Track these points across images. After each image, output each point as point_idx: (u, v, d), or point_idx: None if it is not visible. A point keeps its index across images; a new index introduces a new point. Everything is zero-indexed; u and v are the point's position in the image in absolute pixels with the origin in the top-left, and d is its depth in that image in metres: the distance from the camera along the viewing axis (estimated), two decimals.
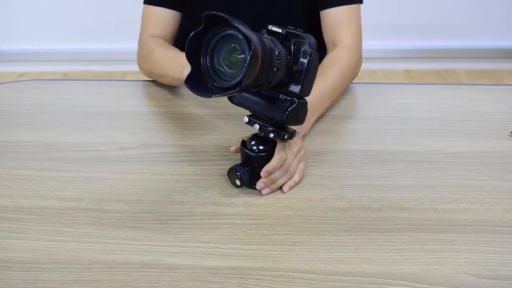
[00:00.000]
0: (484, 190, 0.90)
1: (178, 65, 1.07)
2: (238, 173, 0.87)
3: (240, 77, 0.75)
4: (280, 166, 0.89)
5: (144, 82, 1.26)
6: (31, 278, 0.76)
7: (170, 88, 1.22)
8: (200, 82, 0.80)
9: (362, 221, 0.84)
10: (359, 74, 1.20)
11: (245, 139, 0.90)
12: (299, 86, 0.84)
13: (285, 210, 0.86)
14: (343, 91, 1.15)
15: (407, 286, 0.73)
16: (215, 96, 0.78)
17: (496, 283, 0.74)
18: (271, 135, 0.86)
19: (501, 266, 0.76)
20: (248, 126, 0.89)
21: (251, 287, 0.73)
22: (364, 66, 1.23)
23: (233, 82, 0.76)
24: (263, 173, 0.87)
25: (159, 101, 1.20)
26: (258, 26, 0.85)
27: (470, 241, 0.80)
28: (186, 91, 1.22)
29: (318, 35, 1.29)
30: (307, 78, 0.83)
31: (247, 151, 0.88)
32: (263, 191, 0.89)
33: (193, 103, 1.17)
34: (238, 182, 0.88)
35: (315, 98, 0.96)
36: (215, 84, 0.79)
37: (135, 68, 1.26)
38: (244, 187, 0.89)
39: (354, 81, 1.19)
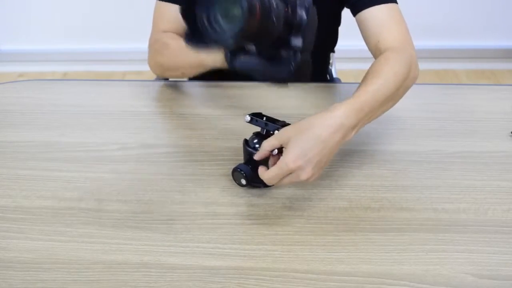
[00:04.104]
0: (484, 190, 0.90)
1: (195, 53, 1.04)
2: (243, 172, 0.87)
3: (238, 28, 0.74)
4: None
5: (144, 82, 1.26)
6: (31, 278, 0.76)
7: (170, 88, 1.22)
8: (199, 40, 0.79)
9: (362, 221, 0.84)
10: (358, 75, 1.18)
11: (247, 138, 0.90)
12: (300, 39, 0.82)
13: (285, 210, 0.86)
14: (400, 93, 0.96)
15: (407, 286, 0.73)
16: (213, 48, 0.78)
17: (496, 283, 0.74)
18: (276, 132, 0.86)
19: (501, 266, 0.76)
20: (248, 125, 0.89)
21: (251, 287, 0.74)
22: (364, 66, 1.22)
23: (232, 32, 0.75)
24: (261, 175, 0.85)
25: (159, 101, 1.20)
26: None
27: (470, 241, 0.80)
28: (186, 91, 1.23)
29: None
30: (307, 30, 0.82)
31: (249, 149, 0.88)
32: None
33: (193, 103, 1.17)
34: (243, 181, 0.88)
35: (362, 98, 0.87)
36: (214, 39, 0.78)
37: (135, 68, 1.27)
38: (248, 186, 0.89)
39: (354, 81, 1.19)
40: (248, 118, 0.89)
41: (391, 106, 0.96)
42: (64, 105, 1.17)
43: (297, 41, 0.82)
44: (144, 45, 1.27)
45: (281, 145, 0.83)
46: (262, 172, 0.84)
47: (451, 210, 0.86)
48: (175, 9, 1.19)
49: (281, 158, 0.82)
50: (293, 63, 0.83)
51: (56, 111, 1.15)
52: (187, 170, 0.96)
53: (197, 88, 1.24)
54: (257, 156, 0.85)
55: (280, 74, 0.85)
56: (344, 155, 0.99)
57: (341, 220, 0.84)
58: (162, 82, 1.35)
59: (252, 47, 0.88)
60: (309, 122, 0.84)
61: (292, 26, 0.81)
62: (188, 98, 1.20)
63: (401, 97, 0.97)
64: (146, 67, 1.28)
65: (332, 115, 0.84)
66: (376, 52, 1.06)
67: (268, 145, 0.84)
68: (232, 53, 0.93)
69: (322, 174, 0.94)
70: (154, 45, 1.20)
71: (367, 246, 0.79)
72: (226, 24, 0.77)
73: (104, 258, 0.79)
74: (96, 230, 0.83)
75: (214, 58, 1.03)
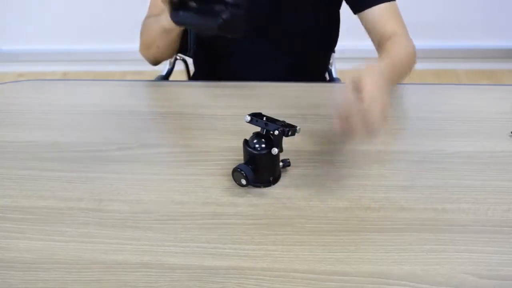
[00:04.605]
0: (484, 190, 0.90)
1: (157, 18, 1.14)
2: (243, 172, 0.87)
3: None
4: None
5: (144, 82, 1.26)
6: (31, 278, 0.76)
7: (170, 88, 1.22)
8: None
9: (362, 221, 0.84)
10: None
11: (247, 138, 0.90)
12: None
13: (285, 210, 0.86)
14: (408, 70, 1.12)
15: (407, 286, 0.73)
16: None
17: (496, 283, 0.74)
18: (276, 132, 0.86)
19: (501, 266, 0.76)
20: (248, 125, 0.89)
21: (251, 287, 0.74)
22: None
23: None
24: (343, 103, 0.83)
25: (159, 101, 1.20)
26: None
27: (470, 241, 0.80)
28: (186, 91, 1.23)
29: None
30: None
31: (249, 149, 0.88)
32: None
33: (193, 103, 1.17)
34: (243, 182, 0.88)
35: (381, 67, 0.96)
36: None
37: (135, 68, 1.27)
38: (249, 186, 0.89)
39: None
40: (248, 118, 0.89)
41: (401, 81, 1.10)
42: (64, 105, 1.17)
43: None
44: None
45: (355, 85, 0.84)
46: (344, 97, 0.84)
47: (451, 210, 0.86)
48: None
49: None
50: (223, 17, 0.94)
51: (56, 111, 1.15)
52: (187, 170, 0.96)
53: (197, 88, 1.24)
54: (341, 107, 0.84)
55: (210, 26, 0.96)
56: (345, 155, 0.99)
57: (341, 220, 0.84)
58: (162, 82, 1.35)
59: (192, 3, 1.00)
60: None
61: None
62: (188, 98, 1.20)
63: (407, 74, 1.11)
64: (146, 67, 1.28)
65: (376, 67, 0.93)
66: (381, 42, 1.15)
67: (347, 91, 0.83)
68: (174, 9, 1.03)
69: (322, 174, 0.94)
70: (140, 31, 1.26)
71: (367, 246, 0.79)
72: None
73: (104, 258, 0.79)
74: (96, 230, 0.83)
75: (166, 17, 1.09)
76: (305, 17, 1.25)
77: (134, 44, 1.27)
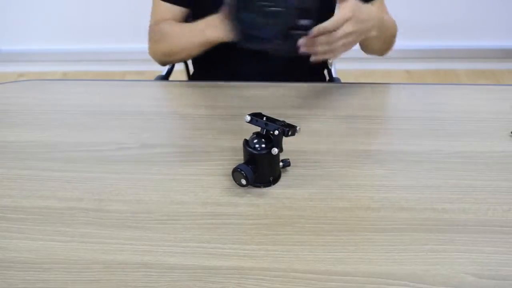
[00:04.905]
0: (484, 190, 0.90)
1: (198, 30, 1.15)
2: (243, 172, 0.87)
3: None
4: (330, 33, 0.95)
5: (144, 82, 1.26)
6: (31, 278, 0.76)
7: (170, 88, 1.22)
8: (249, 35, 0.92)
9: (362, 221, 0.84)
10: (358, 75, 1.20)
11: (247, 138, 0.90)
12: (309, 20, 0.94)
13: (285, 210, 0.86)
14: (391, 42, 1.25)
15: (407, 286, 0.73)
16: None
17: (496, 283, 0.74)
18: (276, 132, 0.86)
19: (501, 266, 0.76)
20: (248, 125, 0.89)
21: (251, 287, 0.74)
22: (364, 66, 1.23)
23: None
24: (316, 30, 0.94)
25: (159, 101, 1.20)
26: None
27: (470, 241, 0.80)
28: (186, 91, 1.23)
29: None
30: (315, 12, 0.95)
31: (249, 149, 0.88)
32: (301, 49, 0.96)
33: (193, 103, 1.17)
34: (243, 182, 0.88)
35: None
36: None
37: (135, 68, 1.27)
38: (249, 186, 0.89)
39: (354, 81, 1.19)
40: (248, 118, 0.89)
41: (382, 47, 1.24)
42: (64, 105, 1.17)
43: (306, 21, 0.93)
44: (144, 45, 1.27)
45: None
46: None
47: (451, 210, 0.86)
48: (172, 9, 1.26)
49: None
50: (298, 41, 0.95)
51: (56, 111, 1.15)
52: (187, 170, 0.96)
53: (197, 88, 1.24)
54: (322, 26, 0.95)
55: (286, 50, 0.97)
56: (344, 155, 0.99)
57: (341, 220, 0.84)
58: (162, 82, 1.35)
59: (264, 30, 0.99)
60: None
61: (303, 10, 0.93)
62: (188, 98, 1.20)
63: (389, 49, 1.25)
64: (146, 67, 1.28)
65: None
66: None
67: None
68: (243, 35, 1.01)
69: (322, 174, 0.94)
70: (153, 36, 1.26)
71: (367, 246, 0.79)
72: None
73: (104, 258, 0.79)
74: (96, 230, 0.83)
75: (218, 33, 1.11)
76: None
77: (134, 44, 1.27)
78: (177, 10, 1.27)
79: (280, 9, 0.94)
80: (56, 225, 0.85)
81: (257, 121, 0.89)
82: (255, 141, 0.88)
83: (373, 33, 1.06)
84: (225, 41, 1.11)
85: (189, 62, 1.57)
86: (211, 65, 1.37)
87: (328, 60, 1.51)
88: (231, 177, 0.90)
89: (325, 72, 1.50)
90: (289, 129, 0.88)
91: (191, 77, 1.54)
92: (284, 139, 0.89)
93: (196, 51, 1.22)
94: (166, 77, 1.54)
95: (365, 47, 1.25)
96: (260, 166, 0.88)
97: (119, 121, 1.11)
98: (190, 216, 0.86)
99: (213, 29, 1.12)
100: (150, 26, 1.28)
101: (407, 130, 1.06)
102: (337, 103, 1.13)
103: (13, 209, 0.88)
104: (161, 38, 1.24)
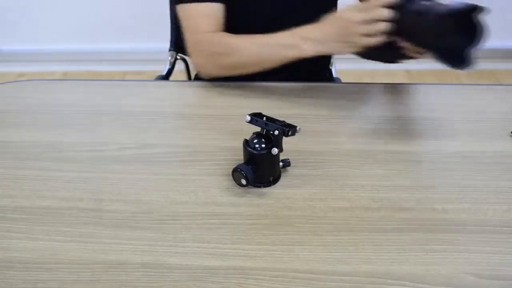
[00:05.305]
0: (484, 190, 0.90)
1: (289, 44, 1.09)
2: (244, 172, 0.87)
3: None
4: None
5: (144, 82, 1.26)
6: (31, 278, 0.76)
7: (170, 88, 1.22)
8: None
9: (362, 221, 0.84)
10: (358, 75, 1.20)
11: (247, 138, 0.90)
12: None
13: (285, 210, 0.86)
14: None
15: (407, 286, 0.73)
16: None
17: (496, 283, 0.74)
18: (276, 131, 0.86)
19: (501, 266, 0.76)
20: (248, 125, 0.89)
21: (251, 287, 0.74)
22: (364, 66, 1.23)
23: None
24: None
25: (159, 101, 1.20)
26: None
27: (470, 241, 0.80)
28: (186, 91, 1.23)
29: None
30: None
31: (249, 149, 0.88)
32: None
33: (193, 103, 1.17)
34: (243, 182, 0.88)
35: None
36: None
37: (135, 68, 1.27)
38: (249, 186, 0.89)
39: (354, 80, 1.19)
40: (248, 118, 0.89)
41: None
42: (64, 105, 1.17)
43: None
44: (144, 45, 1.27)
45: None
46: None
47: (451, 210, 0.86)
48: (214, 8, 1.18)
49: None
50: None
51: (56, 111, 1.15)
52: (187, 170, 0.96)
53: (197, 88, 1.24)
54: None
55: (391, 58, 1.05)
56: (344, 155, 0.99)
57: (341, 220, 0.84)
58: (162, 82, 1.35)
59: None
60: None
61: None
62: (188, 98, 1.20)
63: None
64: (146, 67, 1.28)
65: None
66: None
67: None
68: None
69: (322, 174, 0.94)
70: (213, 49, 1.17)
71: (367, 246, 0.79)
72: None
73: (104, 258, 0.79)
74: (96, 230, 0.83)
75: (323, 48, 1.07)
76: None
77: (134, 44, 1.27)
78: (218, 10, 1.19)
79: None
80: (56, 225, 0.85)
81: (257, 121, 0.89)
82: (255, 141, 0.88)
83: None
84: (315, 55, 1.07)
85: (189, 62, 1.57)
86: None
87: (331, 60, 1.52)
88: (231, 177, 0.90)
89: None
90: (289, 129, 0.88)
91: (195, 78, 1.54)
92: (284, 139, 0.89)
93: (277, 65, 1.13)
94: (166, 77, 1.54)
95: None
96: (260, 166, 0.88)
97: (119, 121, 1.11)
98: (190, 216, 0.86)
99: (315, 44, 1.06)
100: (195, 37, 1.18)
101: (407, 130, 1.06)
102: (337, 103, 1.13)
103: (13, 209, 0.88)
104: (228, 51, 1.15)
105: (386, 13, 0.97)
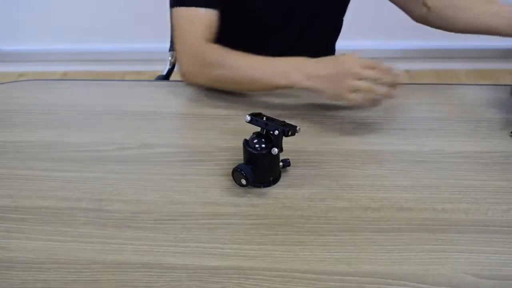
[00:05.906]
0: (484, 190, 0.90)
1: (279, 71, 1.06)
2: (243, 173, 0.87)
3: None
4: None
5: (144, 82, 1.26)
6: (31, 278, 0.76)
7: (170, 88, 1.22)
8: None
9: (362, 221, 0.84)
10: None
11: (247, 138, 0.90)
12: None
13: (285, 210, 0.86)
14: None
15: (407, 286, 0.73)
16: None
17: (496, 283, 0.74)
18: (276, 132, 0.86)
19: (501, 266, 0.76)
20: (248, 125, 0.89)
21: (251, 287, 0.74)
22: None
23: None
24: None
25: (159, 101, 1.20)
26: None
27: (470, 241, 0.80)
28: (186, 91, 1.22)
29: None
30: None
31: (249, 149, 0.88)
32: None
33: (193, 103, 1.17)
34: (243, 182, 0.88)
35: None
36: None
37: (135, 68, 1.27)
38: (249, 186, 0.89)
39: None
40: (248, 118, 0.89)
41: None
42: (64, 105, 1.17)
43: None
44: (144, 45, 1.27)
45: None
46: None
47: (451, 210, 0.86)
48: (210, 13, 1.15)
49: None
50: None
51: (56, 111, 1.15)
52: (187, 170, 0.96)
53: (197, 88, 1.24)
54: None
55: None
56: (344, 155, 0.99)
57: (341, 220, 0.84)
58: (162, 82, 1.35)
59: None
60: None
61: None
62: (188, 98, 1.20)
63: None
64: (146, 67, 1.28)
65: None
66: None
67: None
68: None
69: (322, 174, 0.94)
70: (206, 60, 1.13)
71: (367, 246, 0.79)
72: None
73: (104, 258, 0.79)
74: (96, 230, 0.83)
75: (310, 85, 1.04)
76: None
77: (134, 44, 1.27)
78: (213, 16, 1.15)
79: None
80: (56, 225, 0.85)
81: (257, 121, 0.89)
82: (255, 141, 0.88)
83: None
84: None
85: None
86: None
87: None
88: (231, 177, 0.90)
89: None
90: (289, 129, 0.88)
91: None
92: (284, 139, 0.89)
93: (263, 89, 1.13)
94: (166, 77, 1.54)
95: None
96: (260, 166, 0.88)
97: (119, 121, 1.11)
98: (190, 216, 0.86)
99: (308, 78, 1.03)
100: (190, 42, 1.15)
101: (407, 130, 1.06)
102: (337, 103, 1.13)
103: (13, 209, 0.88)
104: (220, 65, 1.11)
105: (390, 79, 1.00)
